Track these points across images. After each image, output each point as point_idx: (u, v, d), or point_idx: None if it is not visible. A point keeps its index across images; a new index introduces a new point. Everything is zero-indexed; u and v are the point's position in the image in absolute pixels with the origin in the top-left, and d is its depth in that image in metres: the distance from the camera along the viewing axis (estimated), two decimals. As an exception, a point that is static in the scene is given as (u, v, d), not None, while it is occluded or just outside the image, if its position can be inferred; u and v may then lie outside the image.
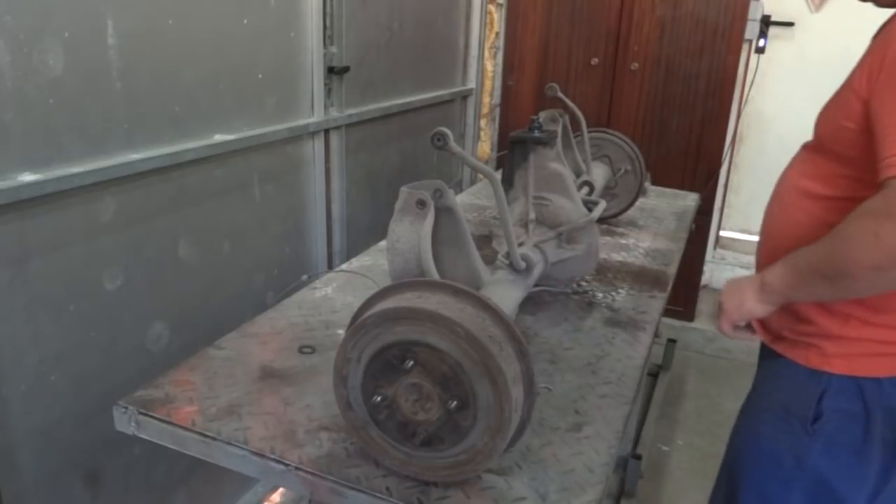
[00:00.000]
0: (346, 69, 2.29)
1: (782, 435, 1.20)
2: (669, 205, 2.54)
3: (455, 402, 0.91)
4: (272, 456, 1.04)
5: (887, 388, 1.12)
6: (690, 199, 2.64)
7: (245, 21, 1.86)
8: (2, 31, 1.26)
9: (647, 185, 2.28)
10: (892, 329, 1.12)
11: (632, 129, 3.26)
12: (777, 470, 1.21)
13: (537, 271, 1.44)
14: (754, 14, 3.21)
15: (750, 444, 1.27)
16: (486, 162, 3.59)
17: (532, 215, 1.53)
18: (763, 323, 1.27)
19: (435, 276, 1.10)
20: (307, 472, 1.02)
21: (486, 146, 3.62)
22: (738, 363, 3.31)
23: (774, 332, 1.25)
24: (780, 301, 1.17)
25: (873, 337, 1.12)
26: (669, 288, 1.77)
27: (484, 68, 3.46)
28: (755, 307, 1.18)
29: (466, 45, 3.31)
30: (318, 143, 2.28)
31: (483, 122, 3.57)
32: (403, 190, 1.11)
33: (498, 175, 1.28)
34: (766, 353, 1.30)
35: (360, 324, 0.95)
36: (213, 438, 1.08)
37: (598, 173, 2.05)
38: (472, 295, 0.96)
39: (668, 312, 1.58)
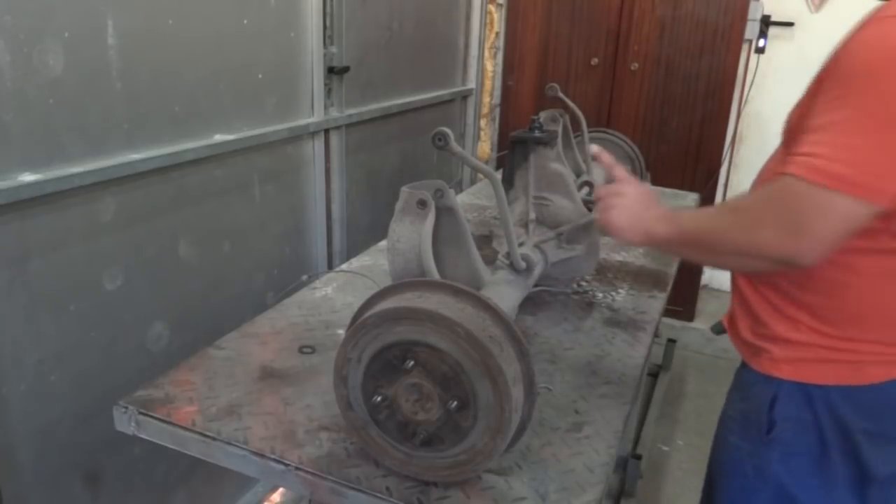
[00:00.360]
0: (346, 69, 2.29)
1: (744, 444, 1.19)
2: (669, 205, 2.53)
3: (455, 403, 0.91)
4: (272, 456, 1.04)
5: (834, 398, 1.09)
6: (690, 199, 2.64)
7: (245, 21, 1.86)
8: (2, 31, 1.26)
9: (647, 185, 2.28)
10: (840, 339, 1.08)
11: (632, 129, 3.26)
12: (742, 480, 1.20)
13: (537, 271, 1.44)
14: (754, 14, 3.20)
15: (720, 452, 1.26)
16: (486, 162, 3.59)
17: (532, 215, 1.53)
18: (733, 328, 1.25)
19: (435, 276, 1.10)
20: (307, 472, 1.02)
21: (486, 146, 3.62)
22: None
23: (741, 337, 1.23)
24: (652, 247, 1.29)
25: (821, 343, 1.09)
26: (669, 288, 1.77)
27: (484, 68, 3.46)
28: (642, 242, 1.18)
29: (466, 45, 3.31)
30: (318, 143, 2.28)
31: (483, 122, 3.57)
32: (404, 190, 1.11)
33: (498, 175, 1.28)
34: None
35: (360, 324, 0.95)
36: (213, 438, 1.08)
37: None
38: (472, 295, 0.96)
39: (668, 312, 1.58)
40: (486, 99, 3.53)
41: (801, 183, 0.92)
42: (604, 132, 2.21)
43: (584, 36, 3.32)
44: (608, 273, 1.83)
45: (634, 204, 1.17)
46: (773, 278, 1.12)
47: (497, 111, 3.63)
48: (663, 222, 1.13)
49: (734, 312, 1.25)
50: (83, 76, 1.43)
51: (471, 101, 3.44)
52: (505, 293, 1.25)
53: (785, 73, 3.42)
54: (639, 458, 2.31)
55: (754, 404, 1.17)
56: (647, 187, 1.24)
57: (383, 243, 1.86)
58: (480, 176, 2.97)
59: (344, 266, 1.82)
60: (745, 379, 1.21)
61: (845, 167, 0.89)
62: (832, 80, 0.95)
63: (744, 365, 1.23)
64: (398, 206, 1.11)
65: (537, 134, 1.53)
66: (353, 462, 1.03)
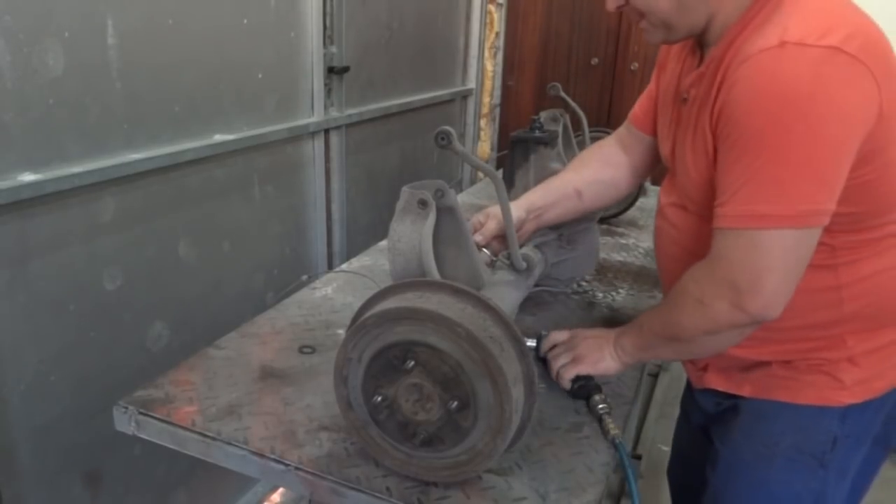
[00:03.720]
0: (346, 69, 2.29)
1: (797, 476, 1.14)
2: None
3: (455, 403, 0.91)
4: (272, 456, 1.04)
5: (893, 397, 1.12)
6: (690, 199, 2.64)
7: (245, 21, 1.86)
8: (2, 31, 1.26)
9: (647, 185, 2.28)
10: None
11: (632, 130, 3.26)
12: None
13: (538, 271, 1.44)
14: (754, 14, 3.20)
15: (757, 493, 1.19)
16: (486, 162, 3.59)
17: (532, 215, 1.53)
18: (722, 374, 1.21)
19: (436, 275, 1.10)
20: (307, 472, 1.02)
21: (486, 146, 3.62)
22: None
23: (739, 380, 1.18)
24: (633, 361, 1.19)
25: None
26: (669, 288, 1.77)
27: (484, 68, 3.46)
28: (611, 366, 1.18)
29: (466, 45, 3.31)
30: (318, 143, 2.28)
31: (483, 122, 3.57)
32: (405, 190, 1.11)
33: (498, 175, 1.28)
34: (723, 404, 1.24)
35: (360, 324, 0.95)
36: (213, 438, 1.08)
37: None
38: (472, 295, 0.96)
39: (668, 312, 1.59)
40: (486, 99, 3.54)
41: (736, 235, 0.93)
42: (604, 132, 2.21)
43: (584, 36, 3.32)
44: (608, 273, 1.83)
45: (590, 337, 1.23)
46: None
47: (497, 111, 3.64)
48: (627, 334, 1.17)
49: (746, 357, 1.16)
50: (83, 76, 1.43)
51: (471, 101, 3.44)
52: (505, 293, 1.25)
53: (785, 73, 3.42)
54: (639, 458, 2.31)
55: (808, 433, 1.12)
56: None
57: (383, 243, 1.86)
58: (481, 175, 2.97)
59: (344, 266, 1.82)
60: (779, 412, 1.14)
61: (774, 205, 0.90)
62: (738, 139, 0.92)
63: (746, 399, 1.18)
64: (399, 205, 1.11)
65: (538, 134, 1.53)
66: (353, 462, 1.03)
